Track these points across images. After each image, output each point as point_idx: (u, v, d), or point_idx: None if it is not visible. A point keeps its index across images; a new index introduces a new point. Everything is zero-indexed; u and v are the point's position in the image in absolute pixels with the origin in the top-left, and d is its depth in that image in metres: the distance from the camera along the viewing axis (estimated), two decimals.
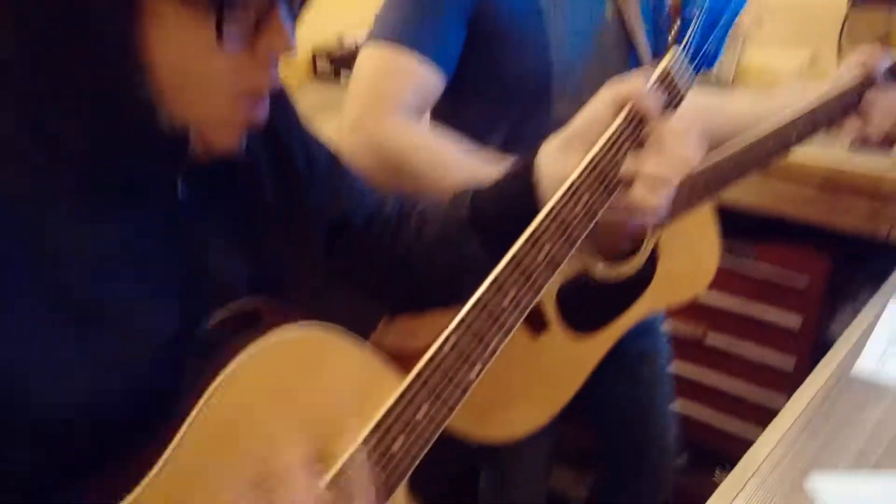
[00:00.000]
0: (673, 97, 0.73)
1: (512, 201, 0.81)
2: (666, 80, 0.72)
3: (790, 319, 1.90)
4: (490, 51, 1.19)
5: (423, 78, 1.13)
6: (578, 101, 1.21)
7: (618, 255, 1.26)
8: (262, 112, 0.70)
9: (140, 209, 0.69)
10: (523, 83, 1.21)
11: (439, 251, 0.89)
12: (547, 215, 0.73)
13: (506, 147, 1.24)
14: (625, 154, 0.73)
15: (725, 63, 2.18)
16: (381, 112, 1.10)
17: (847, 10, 1.99)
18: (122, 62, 0.60)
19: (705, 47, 0.75)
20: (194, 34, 0.61)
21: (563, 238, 0.73)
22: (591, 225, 0.74)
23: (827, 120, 1.23)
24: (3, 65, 0.62)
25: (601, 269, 1.24)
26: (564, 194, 0.72)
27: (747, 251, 1.93)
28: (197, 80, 0.64)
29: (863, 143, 1.24)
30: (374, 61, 1.13)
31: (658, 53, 1.23)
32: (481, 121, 1.25)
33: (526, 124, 1.23)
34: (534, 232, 0.73)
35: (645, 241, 1.25)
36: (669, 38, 0.75)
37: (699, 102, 1.39)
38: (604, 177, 0.72)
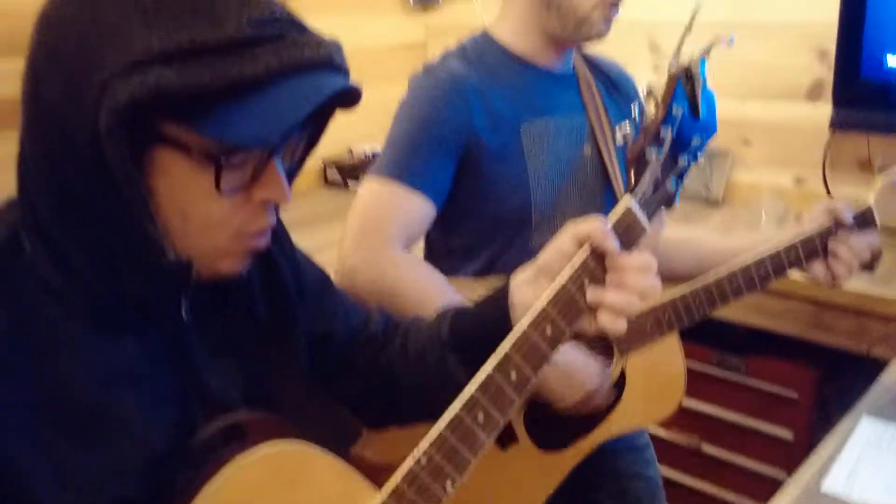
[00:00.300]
0: (631, 235, 0.80)
1: (487, 325, 0.86)
2: (623, 222, 0.79)
3: (782, 432, 1.92)
4: (476, 185, 1.31)
5: (415, 210, 1.25)
6: (556, 232, 1.32)
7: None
8: (263, 243, 0.78)
9: (146, 328, 0.76)
10: (505, 215, 1.33)
11: (420, 368, 0.94)
12: (515, 340, 0.78)
13: (487, 271, 1.34)
14: (587, 285, 0.79)
15: (715, 183, 2.28)
16: (377, 241, 1.22)
17: (829, 135, 2.08)
18: (133, 204, 0.67)
19: (662, 188, 0.82)
20: (195, 182, 0.69)
21: (530, 361, 0.78)
22: (557, 349, 0.79)
23: (792, 262, 1.28)
24: (34, 205, 0.71)
25: None
26: (532, 321, 0.78)
27: (738, 365, 1.97)
28: (198, 221, 0.71)
29: (831, 285, 1.30)
30: (373, 193, 1.25)
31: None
32: (466, 247, 1.36)
33: (507, 251, 1.34)
34: (504, 355, 0.78)
35: (612, 365, 1.30)
36: (627, 184, 0.82)
37: (679, 236, 1.49)
38: (567, 305, 0.78)
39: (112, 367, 0.73)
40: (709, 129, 0.88)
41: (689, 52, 0.89)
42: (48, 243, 0.71)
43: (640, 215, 0.79)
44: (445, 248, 1.40)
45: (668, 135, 0.83)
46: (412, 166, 1.25)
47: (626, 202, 0.79)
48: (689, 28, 0.91)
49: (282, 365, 0.90)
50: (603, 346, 1.32)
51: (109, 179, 0.66)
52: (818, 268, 1.29)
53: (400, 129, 1.29)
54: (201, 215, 0.71)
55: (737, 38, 2.20)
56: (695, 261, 1.40)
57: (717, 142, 2.29)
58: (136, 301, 0.74)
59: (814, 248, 1.28)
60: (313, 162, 2.54)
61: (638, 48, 2.37)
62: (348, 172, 2.55)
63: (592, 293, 0.79)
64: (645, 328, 1.28)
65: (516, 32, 1.35)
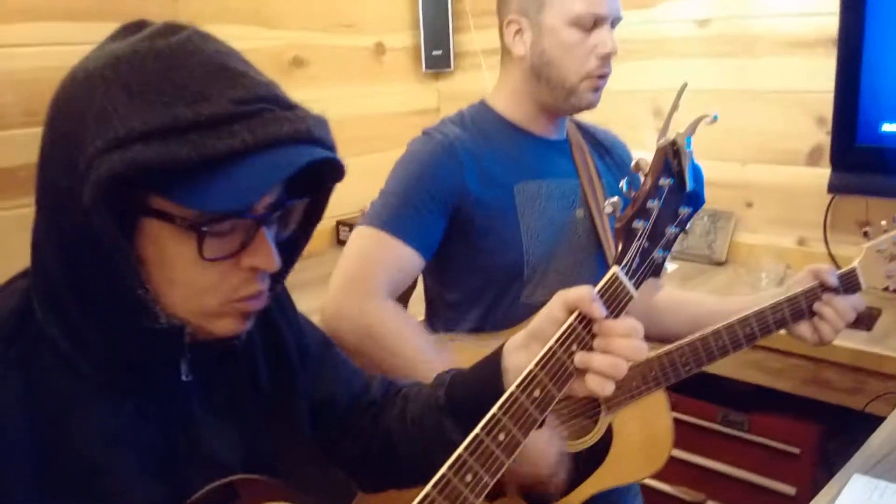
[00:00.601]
0: (619, 302, 0.86)
1: (481, 389, 0.89)
2: (610, 290, 0.85)
3: (785, 488, 1.95)
4: (469, 241, 1.38)
5: (403, 260, 1.32)
6: (548, 289, 1.40)
7: (574, 431, 1.36)
8: (258, 305, 0.81)
9: (147, 391, 0.81)
10: (498, 270, 1.40)
11: (419, 432, 0.97)
12: (504, 402, 0.82)
13: (481, 323, 1.41)
14: (576, 350, 0.84)
15: (719, 244, 2.34)
16: (363, 288, 1.28)
17: (829, 198, 2.14)
18: (124, 272, 0.72)
19: (650, 258, 0.88)
20: (181, 250, 0.74)
21: (520, 423, 0.82)
22: (547, 412, 0.83)
23: (777, 321, 1.31)
24: (44, 273, 0.77)
25: None
26: (521, 383, 0.82)
27: (741, 421, 2.01)
28: (186, 287, 0.76)
29: (818, 344, 1.34)
30: (363, 242, 1.33)
31: None
32: (461, 300, 1.43)
33: (499, 306, 1.41)
34: (492, 417, 0.82)
35: (599, 420, 1.34)
36: (614, 254, 0.88)
37: (676, 296, 1.55)
38: (556, 369, 0.83)
39: (113, 429, 0.77)
40: (697, 202, 0.94)
41: (676, 129, 0.96)
42: (57, 309, 0.76)
43: (628, 283, 0.85)
44: (443, 301, 1.47)
45: (655, 207, 0.89)
46: (402, 218, 1.32)
47: (614, 271, 0.85)
48: (675, 106, 0.97)
49: (280, 428, 0.93)
50: (590, 402, 1.35)
51: (101, 249, 0.70)
52: (804, 328, 1.32)
53: (393, 183, 1.37)
54: (188, 282, 0.75)
55: (740, 105, 2.31)
56: (691, 321, 1.43)
57: (720, 204, 2.36)
58: (135, 364, 0.79)
59: (799, 309, 1.31)
60: (326, 222, 2.64)
61: (642, 114, 2.46)
62: None
63: (580, 357, 0.84)
64: (631, 385, 1.32)
65: (511, 102, 1.45)
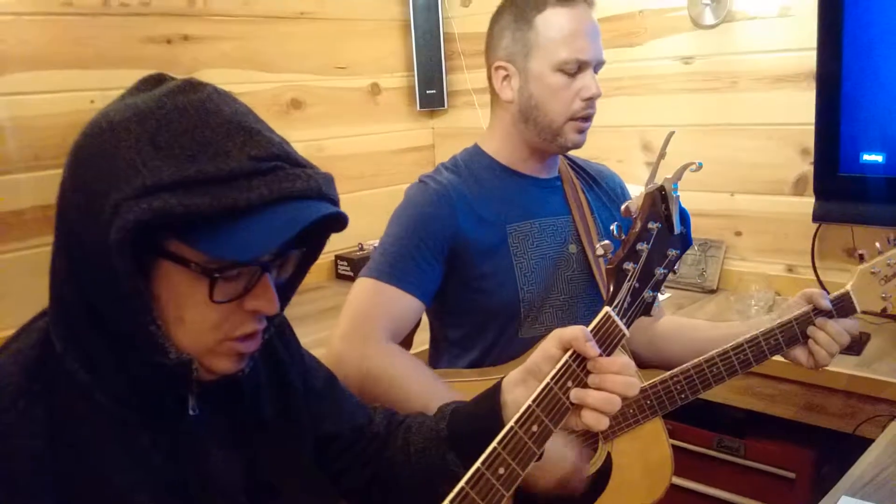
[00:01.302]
0: (611, 339, 0.91)
1: (482, 422, 0.94)
2: (603, 329, 0.90)
3: None
4: (467, 282, 1.45)
5: (402, 307, 1.38)
6: (545, 324, 1.44)
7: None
8: (252, 346, 0.86)
9: (158, 423, 0.85)
10: (495, 308, 1.46)
11: (422, 464, 1.02)
12: (504, 437, 0.87)
13: (482, 359, 1.46)
14: (571, 386, 0.89)
15: (710, 272, 2.40)
16: (365, 333, 1.33)
17: (816, 226, 2.20)
18: (138, 310, 0.77)
19: (640, 298, 0.94)
20: (193, 292, 0.79)
21: (518, 457, 0.87)
22: (544, 446, 0.88)
23: (772, 347, 1.34)
24: (63, 309, 0.82)
25: None
26: (519, 419, 0.87)
27: (737, 447, 2.05)
28: (193, 325, 0.81)
29: (813, 368, 1.34)
30: (364, 293, 1.39)
31: None
32: (461, 338, 1.49)
33: (498, 342, 1.46)
34: (492, 451, 0.86)
35: (598, 448, 1.37)
36: (606, 294, 0.93)
37: (674, 323, 1.60)
38: (551, 405, 0.88)
39: (130, 461, 0.81)
40: (684, 244, 1.00)
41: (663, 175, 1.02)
42: (76, 344, 0.80)
43: (620, 322, 0.90)
44: (445, 339, 1.53)
45: (644, 249, 0.95)
46: (400, 268, 1.38)
47: (606, 311, 0.90)
48: (662, 153, 1.03)
49: (285, 459, 0.97)
50: (588, 431, 1.38)
51: (118, 287, 0.75)
52: (800, 353, 1.35)
53: (391, 233, 1.44)
54: (196, 320, 0.80)
55: (726, 139, 2.38)
56: (691, 347, 1.46)
57: (711, 233, 2.43)
58: (148, 398, 0.83)
59: (793, 334, 1.33)
60: (325, 257, 2.72)
61: (631, 148, 2.54)
62: (358, 267, 2.64)
63: (576, 393, 0.89)
64: (628, 413, 1.36)
65: (502, 145, 1.51)
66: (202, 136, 0.76)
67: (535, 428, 0.87)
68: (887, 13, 1.90)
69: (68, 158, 0.80)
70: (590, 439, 1.39)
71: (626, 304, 0.92)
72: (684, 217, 1.01)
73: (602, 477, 1.38)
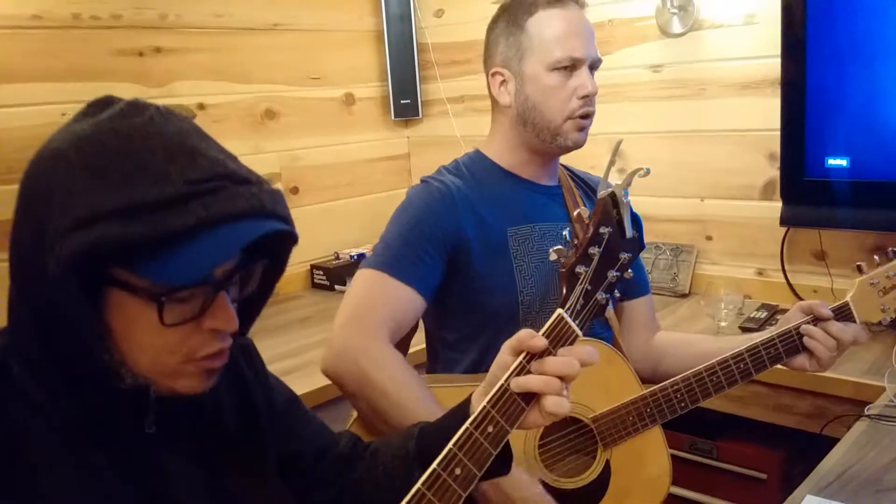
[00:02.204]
0: (564, 341, 0.92)
1: (449, 437, 0.92)
2: (556, 331, 0.92)
3: None
4: (467, 283, 1.45)
5: (402, 300, 1.38)
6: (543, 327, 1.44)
7: (572, 468, 1.39)
8: (218, 363, 0.86)
9: (114, 443, 0.84)
10: (494, 309, 1.46)
11: (389, 484, 1.01)
12: (459, 438, 0.88)
13: (480, 363, 1.46)
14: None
15: (682, 276, 2.43)
16: (366, 327, 1.33)
17: (785, 230, 2.24)
18: (89, 338, 0.77)
19: (593, 299, 0.96)
20: (144, 317, 0.78)
21: (474, 458, 0.88)
22: (500, 446, 0.90)
23: (772, 356, 1.33)
24: (19, 331, 0.82)
25: (556, 480, 1.35)
26: (474, 420, 0.89)
27: (709, 449, 2.07)
28: (149, 350, 0.81)
29: (818, 371, 1.33)
30: (366, 283, 1.39)
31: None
32: (459, 340, 1.50)
33: (496, 345, 1.43)
34: (448, 452, 0.88)
35: (597, 457, 1.37)
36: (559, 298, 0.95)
37: (673, 336, 1.62)
38: (505, 405, 0.90)
39: (86, 481, 0.81)
40: (636, 247, 1.02)
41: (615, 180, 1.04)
42: (30, 367, 0.80)
43: (572, 324, 0.92)
44: (442, 343, 1.53)
45: (596, 253, 0.97)
46: (402, 261, 1.39)
47: (559, 313, 0.92)
48: (612, 161, 1.06)
49: (249, 475, 0.97)
50: (587, 438, 1.39)
51: (65, 318, 0.75)
52: (800, 360, 1.33)
53: (393, 228, 1.45)
54: (152, 345, 0.80)
55: (695, 145, 2.41)
56: (685, 363, 1.44)
57: (682, 238, 2.46)
58: (103, 417, 0.82)
59: (792, 344, 1.32)
60: (301, 266, 2.73)
61: (603, 155, 2.53)
62: (334, 276, 2.67)
63: (516, 382, 0.90)
64: (627, 421, 1.36)
65: (503, 149, 1.53)
66: (139, 161, 0.76)
67: (490, 429, 0.89)
68: (849, 20, 1.94)
69: (19, 188, 0.80)
70: (589, 446, 1.39)
71: (578, 307, 0.94)
72: (636, 221, 1.03)
73: (601, 485, 1.38)
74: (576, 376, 0.90)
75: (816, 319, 1.32)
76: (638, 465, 1.39)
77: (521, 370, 0.91)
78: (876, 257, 1.37)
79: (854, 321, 1.33)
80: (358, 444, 1.13)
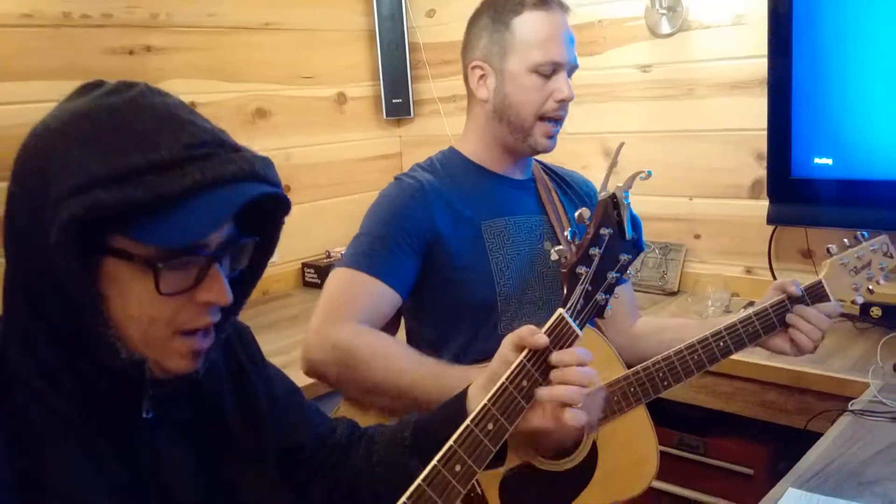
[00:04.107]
0: (565, 340, 0.94)
1: (446, 428, 0.95)
2: (557, 330, 0.94)
3: None
4: (444, 277, 1.47)
5: (376, 296, 1.40)
6: (523, 319, 1.46)
7: (559, 452, 1.40)
8: (206, 343, 0.87)
9: (113, 428, 0.85)
10: (472, 304, 1.48)
11: (385, 472, 1.03)
12: (460, 435, 0.90)
13: (460, 357, 1.48)
14: (526, 385, 0.92)
15: (671, 274, 2.45)
16: (338, 319, 1.35)
17: (772, 228, 2.27)
18: (85, 309, 0.78)
19: (593, 300, 0.98)
20: (140, 286, 0.79)
21: (475, 454, 0.90)
22: (501, 441, 0.91)
23: (750, 334, 1.36)
24: (16, 315, 0.83)
25: (542, 462, 1.36)
26: (475, 417, 0.91)
27: (697, 445, 2.10)
28: (144, 320, 0.81)
29: (797, 355, 1.37)
30: (340, 281, 1.42)
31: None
32: (438, 336, 1.51)
33: (476, 338, 1.49)
34: (448, 449, 0.89)
35: (584, 439, 1.39)
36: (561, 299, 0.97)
37: (659, 322, 1.65)
38: (507, 403, 0.92)
39: (85, 467, 0.82)
40: (636, 248, 1.04)
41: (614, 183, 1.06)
42: (28, 351, 0.81)
43: (573, 324, 0.94)
44: (421, 338, 1.55)
45: (596, 254, 0.99)
46: (375, 257, 1.41)
47: (560, 312, 0.94)
48: (614, 162, 1.08)
49: (247, 465, 0.98)
50: None
51: (65, 289, 0.76)
52: (780, 342, 1.37)
53: (366, 226, 1.47)
54: (147, 316, 0.80)
55: (684, 144, 2.44)
56: (663, 348, 1.44)
57: (671, 237, 2.49)
58: (101, 402, 0.83)
59: (770, 321, 1.36)
60: (292, 264, 2.74)
61: (592, 154, 2.59)
62: (325, 274, 2.63)
63: (544, 392, 0.92)
64: (612, 401, 1.37)
65: (478, 146, 1.56)
66: (134, 131, 0.77)
67: (490, 426, 0.90)
68: (835, 20, 1.97)
69: (13, 168, 0.82)
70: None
71: (579, 306, 0.97)
72: (636, 223, 1.05)
73: (589, 466, 1.40)
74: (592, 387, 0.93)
75: (790, 298, 1.36)
76: (625, 445, 1.41)
77: (524, 372, 0.92)
78: (846, 240, 1.41)
79: (829, 299, 1.37)
80: (355, 431, 1.13)
